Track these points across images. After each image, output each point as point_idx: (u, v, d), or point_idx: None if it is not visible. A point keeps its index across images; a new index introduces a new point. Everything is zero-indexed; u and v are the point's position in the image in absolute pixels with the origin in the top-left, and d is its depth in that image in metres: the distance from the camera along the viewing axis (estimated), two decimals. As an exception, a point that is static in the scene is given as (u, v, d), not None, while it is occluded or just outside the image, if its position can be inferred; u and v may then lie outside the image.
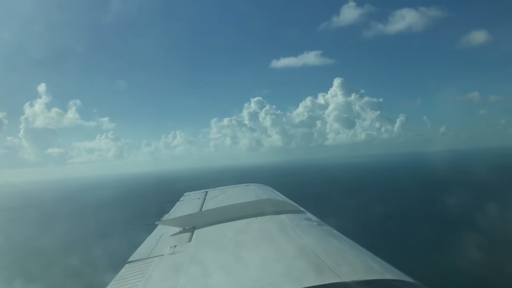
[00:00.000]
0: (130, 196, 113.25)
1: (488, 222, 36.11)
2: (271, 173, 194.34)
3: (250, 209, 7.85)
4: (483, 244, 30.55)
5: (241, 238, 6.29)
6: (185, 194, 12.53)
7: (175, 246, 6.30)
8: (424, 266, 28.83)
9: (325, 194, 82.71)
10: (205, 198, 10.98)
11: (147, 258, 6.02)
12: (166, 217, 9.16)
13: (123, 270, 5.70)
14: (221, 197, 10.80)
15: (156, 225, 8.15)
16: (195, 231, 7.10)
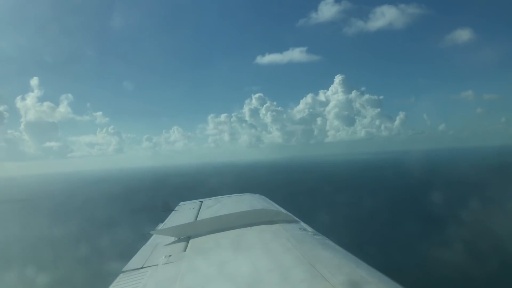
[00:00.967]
0: (127, 191, 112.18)
1: (482, 220, 36.20)
2: (268, 170, 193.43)
3: (244, 219, 7.95)
4: (474, 243, 30.66)
5: (236, 248, 6.37)
6: (180, 203, 12.67)
7: (169, 256, 6.35)
8: (411, 265, 28.75)
9: (318, 191, 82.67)
10: (200, 208, 11.12)
11: (142, 267, 6.07)
12: (161, 226, 9.27)
13: (117, 280, 5.72)
14: (216, 207, 10.93)
15: (151, 235, 8.23)
16: (190, 241, 7.18)
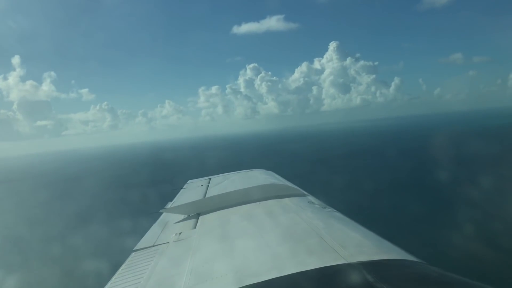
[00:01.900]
0: (116, 168, 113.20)
1: (482, 191, 34.49)
2: (263, 142, 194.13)
3: (253, 194, 7.93)
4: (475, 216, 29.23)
5: (246, 223, 6.40)
6: (189, 181, 12.62)
7: (180, 233, 6.38)
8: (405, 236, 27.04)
9: (311, 160, 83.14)
10: (208, 185, 11.10)
11: (153, 246, 6.09)
12: (170, 204, 9.23)
13: (129, 258, 5.75)
14: (224, 183, 10.88)
15: (161, 213, 8.21)
16: (200, 218, 7.22)
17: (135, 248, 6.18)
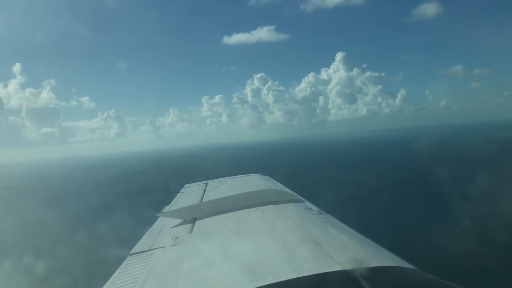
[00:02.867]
0: (120, 175, 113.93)
1: (482, 196, 34.67)
2: (267, 150, 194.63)
3: (250, 200, 7.87)
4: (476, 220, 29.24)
5: (242, 228, 6.35)
6: (186, 185, 12.53)
7: (176, 238, 6.33)
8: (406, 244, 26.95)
9: (312, 170, 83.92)
10: (205, 189, 10.99)
11: (149, 250, 6.06)
12: (167, 209, 9.18)
13: (125, 262, 5.72)
14: (221, 188, 10.79)
15: (157, 217, 8.18)
16: (196, 222, 7.17)
17: (131, 252, 6.13)
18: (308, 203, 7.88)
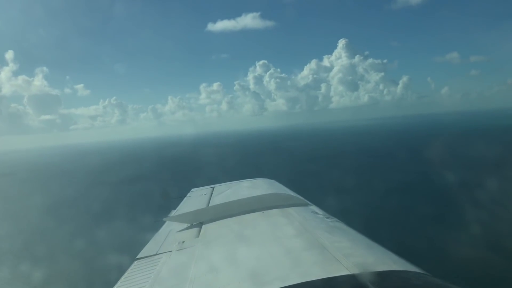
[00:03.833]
0: (115, 163, 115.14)
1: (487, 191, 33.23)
2: (266, 139, 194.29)
3: (256, 204, 7.91)
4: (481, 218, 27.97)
5: (249, 232, 6.37)
6: (192, 190, 12.66)
7: (183, 242, 6.36)
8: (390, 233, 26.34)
9: (309, 159, 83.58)
10: (211, 194, 11.09)
11: (156, 254, 6.09)
12: (173, 213, 9.27)
13: (132, 267, 5.77)
14: (228, 192, 10.87)
15: (164, 222, 8.22)
16: (203, 227, 7.18)
17: (138, 257, 6.17)
18: (314, 207, 7.90)
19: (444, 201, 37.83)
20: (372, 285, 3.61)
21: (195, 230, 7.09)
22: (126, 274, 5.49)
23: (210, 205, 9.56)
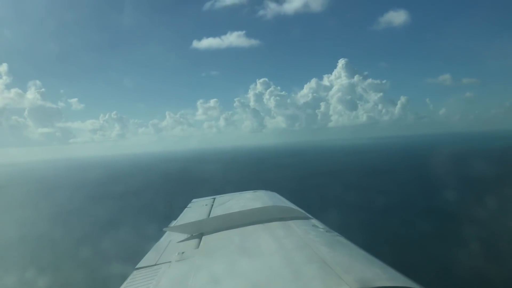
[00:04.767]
0: (106, 177, 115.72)
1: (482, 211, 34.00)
2: (263, 155, 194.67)
3: (257, 216, 7.83)
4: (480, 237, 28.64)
5: (249, 244, 6.30)
6: (193, 200, 12.60)
7: (183, 253, 6.29)
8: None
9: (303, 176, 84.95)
10: (212, 205, 11.03)
11: (155, 264, 6.03)
12: (174, 223, 9.15)
13: (130, 276, 5.69)
14: (229, 204, 10.80)
15: (164, 232, 8.13)
16: (203, 237, 7.10)
17: (137, 267, 6.08)
18: (315, 221, 7.81)
19: (443, 218, 37.88)
20: None
21: (195, 241, 7.01)
22: (125, 284, 5.41)
23: (210, 216, 9.47)
